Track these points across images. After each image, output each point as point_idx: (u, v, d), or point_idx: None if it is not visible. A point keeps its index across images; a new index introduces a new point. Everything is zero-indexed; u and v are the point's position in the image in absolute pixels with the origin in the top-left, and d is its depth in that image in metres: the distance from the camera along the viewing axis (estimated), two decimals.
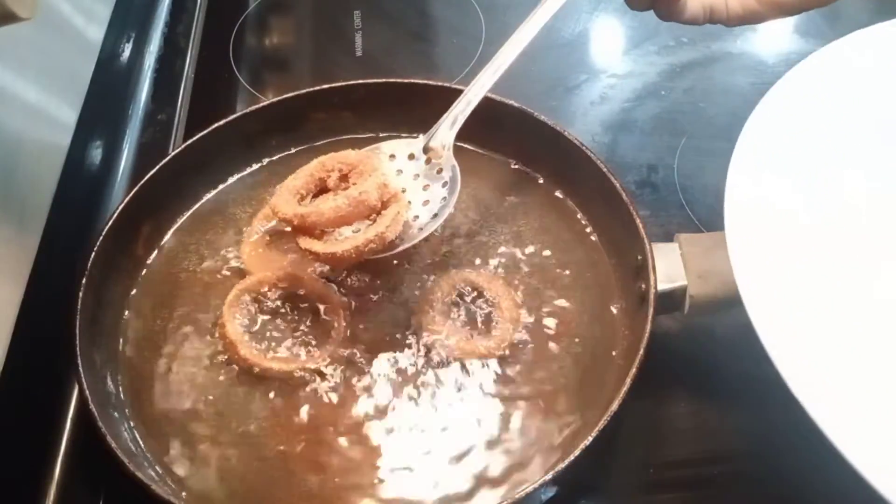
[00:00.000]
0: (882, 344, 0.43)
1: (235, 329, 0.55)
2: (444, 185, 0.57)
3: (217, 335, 0.56)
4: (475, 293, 0.57)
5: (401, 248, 0.54)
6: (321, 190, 0.55)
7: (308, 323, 0.56)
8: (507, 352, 0.54)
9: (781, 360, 0.40)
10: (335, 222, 0.52)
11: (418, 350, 0.55)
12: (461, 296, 0.57)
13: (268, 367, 0.54)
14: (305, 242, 0.52)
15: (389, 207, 0.53)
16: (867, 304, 0.44)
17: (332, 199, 0.53)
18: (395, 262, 0.59)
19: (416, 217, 0.56)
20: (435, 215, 0.55)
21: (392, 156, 0.58)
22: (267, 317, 0.56)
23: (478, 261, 0.59)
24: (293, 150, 0.67)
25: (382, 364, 0.54)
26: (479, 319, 0.56)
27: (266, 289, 0.57)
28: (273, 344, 0.55)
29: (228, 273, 0.60)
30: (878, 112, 0.52)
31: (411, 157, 0.58)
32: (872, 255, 0.46)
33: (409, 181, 0.57)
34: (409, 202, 0.56)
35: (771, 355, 0.40)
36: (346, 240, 0.52)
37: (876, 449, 0.38)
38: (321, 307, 0.56)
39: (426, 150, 0.58)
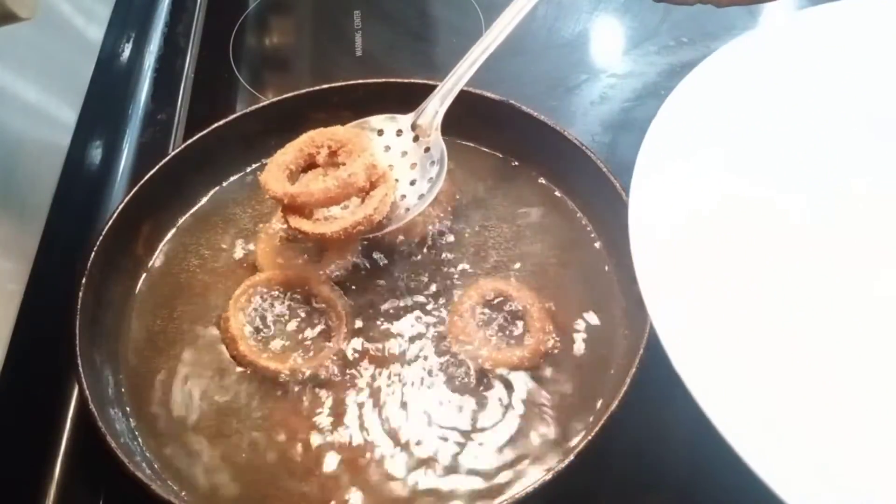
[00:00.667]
0: (781, 337, 0.42)
1: (239, 324, 0.55)
2: (432, 164, 0.57)
3: (219, 329, 0.56)
4: (505, 302, 0.56)
5: (388, 229, 0.56)
6: (310, 165, 0.56)
7: (311, 325, 0.56)
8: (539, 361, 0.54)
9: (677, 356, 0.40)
10: (324, 203, 0.54)
11: (420, 353, 0.55)
12: (490, 305, 0.56)
13: (265, 366, 0.54)
14: (295, 221, 0.54)
15: (377, 188, 0.55)
16: (767, 298, 0.44)
17: (321, 181, 0.54)
18: (395, 263, 0.59)
19: (404, 196, 0.57)
20: (422, 195, 0.56)
21: (380, 131, 0.59)
22: (271, 315, 0.57)
23: (478, 261, 0.59)
24: None
25: (378, 368, 0.54)
26: (509, 329, 0.55)
27: (274, 287, 0.57)
28: (274, 342, 0.55)
29: (229, 273, 0.60)
30: (780, 105, 0.52)
31: (399, 133, 0.59)
32: (772, 247, 0.46)
33: (396, 158, 0.58)
34: (397, 180, 0.57)
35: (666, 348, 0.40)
36: (335, 221, 0.54)
37: (770, 448, 0.39)
38: (326, 311, 0.56)
39: (414, 127, 0.59)
